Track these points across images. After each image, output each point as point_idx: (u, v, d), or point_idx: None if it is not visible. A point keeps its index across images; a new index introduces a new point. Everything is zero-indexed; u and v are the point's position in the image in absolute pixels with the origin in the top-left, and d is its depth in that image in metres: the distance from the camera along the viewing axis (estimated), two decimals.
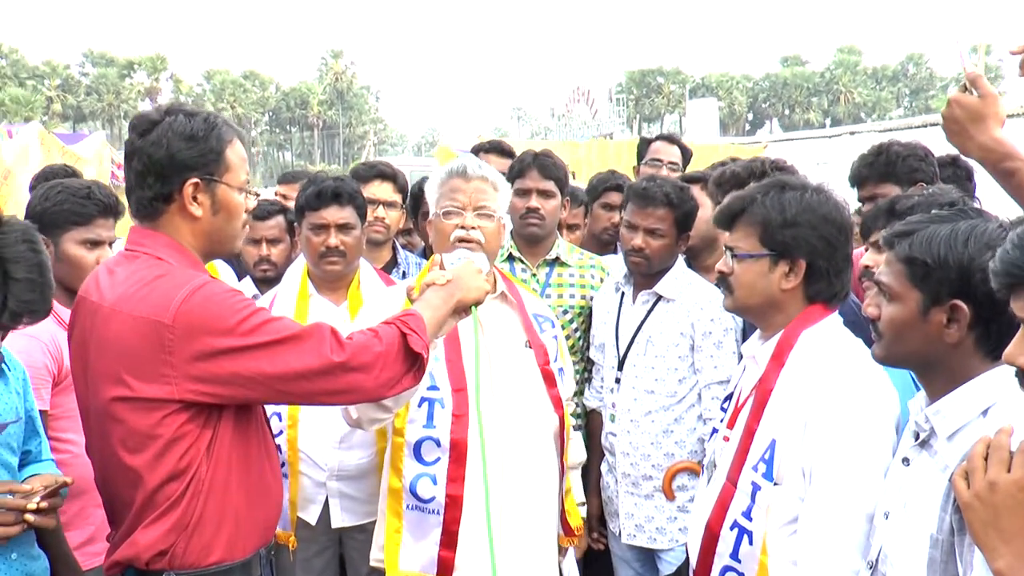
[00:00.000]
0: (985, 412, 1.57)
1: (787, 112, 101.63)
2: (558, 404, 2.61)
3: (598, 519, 3.24)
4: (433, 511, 2.47)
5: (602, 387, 3.20)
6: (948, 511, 1.48)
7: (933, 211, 1.72)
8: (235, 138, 2.03)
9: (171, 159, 1.92)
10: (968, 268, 1.53)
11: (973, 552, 1.40)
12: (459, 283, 2.21)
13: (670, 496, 2.96)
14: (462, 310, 2.24)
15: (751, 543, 1.98)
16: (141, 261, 1.93)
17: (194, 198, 1.95)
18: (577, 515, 2.74)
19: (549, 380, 2.61)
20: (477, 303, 2.25)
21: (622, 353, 3.08)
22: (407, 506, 2.51)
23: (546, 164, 3.32)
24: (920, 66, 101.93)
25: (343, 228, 3.02)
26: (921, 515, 1.57)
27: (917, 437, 1.67)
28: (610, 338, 3.14)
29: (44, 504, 2.10)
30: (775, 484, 1.98)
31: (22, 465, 2.35)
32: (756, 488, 2.02)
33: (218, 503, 1.92)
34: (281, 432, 2.98)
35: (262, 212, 3.77)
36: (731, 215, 2.19)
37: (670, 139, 4.34)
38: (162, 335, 1.80)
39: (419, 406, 2.48)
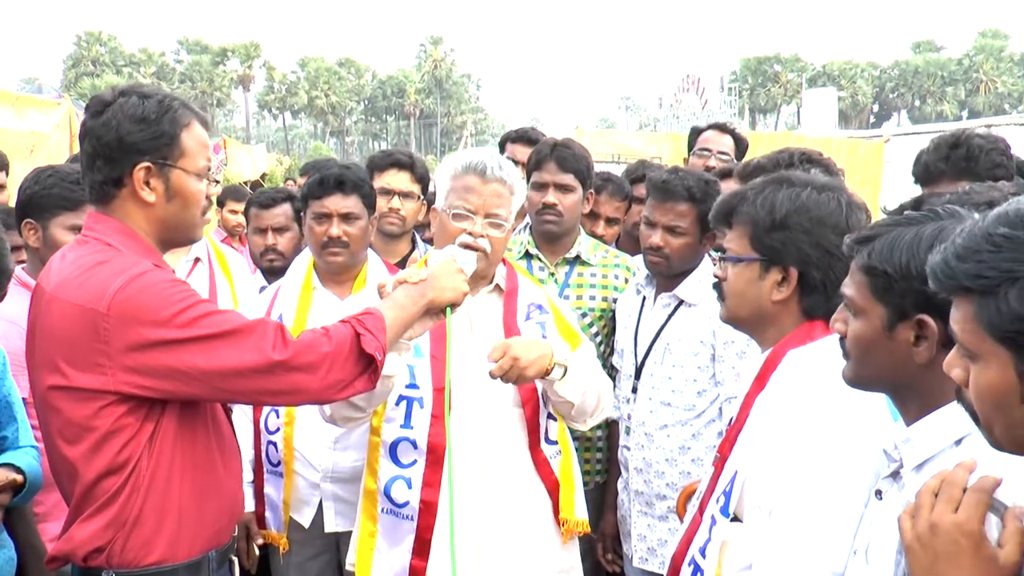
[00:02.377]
0: (959, 442, 1.44)
1: (917, 103, 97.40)
2: (528, 397, 2.52)
3: (613, 538, 3.17)
4: (407, 516, 2.45)
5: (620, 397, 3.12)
6: (903, 554, 1.37)
7: (905, 212, 1.57)
8: (194, 121, 2.04)
9: (120, 142, 1.94)
10: None
11: None
12: (433, 282, 2.18)
13: (684, 519, 2.86)
14: (437, 311, 2.22)
15: None
16: (89, 246, 1.97)
17: (146, 183, 1.97)
18: (570, 507, 2.61)
19: None
20: (453, 304, 2.22)
21: (639, 361, 2.99)
22: (382, 510, 2.50)
23: (565, 156, 3.22)
24: None
25: (346, 218, 3.03)
26: (883, 556, 1.46)
27: (889, 468, 1.55)
28: (629, 344, 3.06)
29: None
30: (732, 520, 1.84)
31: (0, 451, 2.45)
32: (713, 523, 1.89)
33: (159, 500, 1.94)
34: (278, 429, 3.02)
35: (267, 200, 3.84)
36: (725, 213, 2.07)
37: (722, 128, 4.18)
38: (97, 324, 1.83)
39: (397, 405, 2.47)
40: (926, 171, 2.88)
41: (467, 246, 2.40)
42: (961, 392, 1.22)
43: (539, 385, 2.51)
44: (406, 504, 2.45)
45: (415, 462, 2.45)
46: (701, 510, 1.97)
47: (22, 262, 2.86)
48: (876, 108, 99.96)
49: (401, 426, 2.47)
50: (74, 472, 1.92)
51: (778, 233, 1.90)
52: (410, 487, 2.44)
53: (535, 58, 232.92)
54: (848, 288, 1.56)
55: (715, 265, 3.01)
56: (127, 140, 1.94)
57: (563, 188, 3.22)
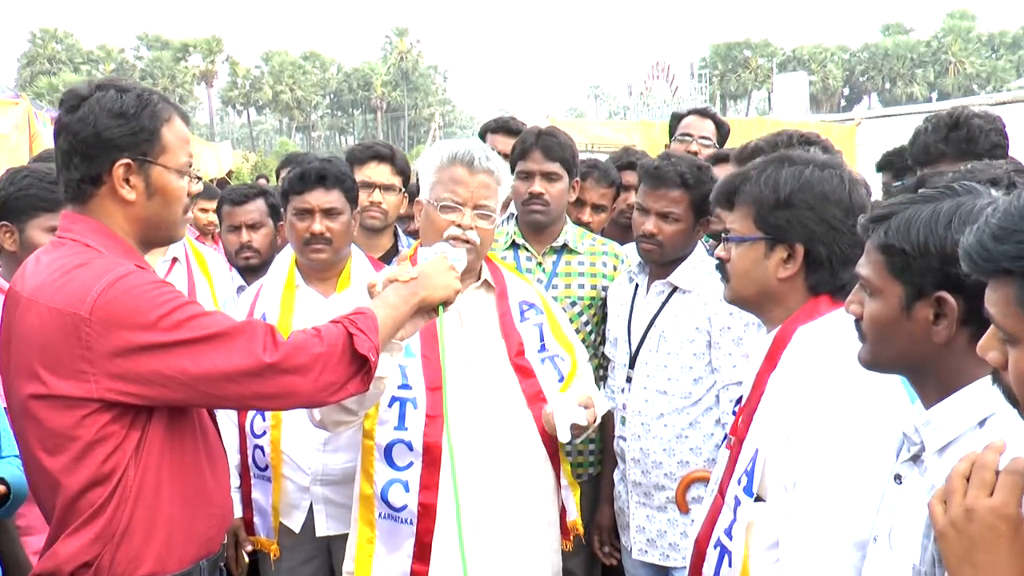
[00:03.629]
0: (982, 423, 1.42)
1: (888, 86, 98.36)
2: (533, 398, 2.52)
3: (610, 531, 3.15)
4: (405, 520, 2.42)
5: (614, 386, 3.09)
6: (931, 539, 1.35)
7: (920, 190, 1.56)
8: (174, 116, 1.98)
9: (98, 137, 1.88)
10: (952, 255, 1.38)
11: None
12: (425, 280, 2.15)
13: (684, 509, 2.84)
14: (429, 310, 2.18)
15: (731, 565, 1.87)
16: (66, 248, 1.90)
17: (126, 180, 1.91)
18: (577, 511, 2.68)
19: (522, 372, 2.54)
20: (445, 302, 2.18)
21: (634, 349, 2.97)
22: (379, 515, 2.46)
23: (551, 144, 3.20)
24: None
25: (328, 213, 2.98)
26: (907, 541, 1.44)
27: (910, 451, 1.54)
28: (622, 333, 3.03)
29: None
30: (756, 499, 1.86)
31: None
32: (738, 503, 1.91)
33: (148, 511, 1.88)
34: (265, 432, 2.97)
35: (239, 197, 3.77)
36: (728, 193, 2.07)
37: (703, 113, 4.18)
38: (79, 329, 1.77)
39: (390, 406, 2.44)
40: (926, 151, 2.88)
41: (455, 239, 2.37)
42: (998, 375, 1.20)
43: (551, 391, 2.55)
44: (404, 508, 2.41)
45: (411, 464, 2.41)
46: (722, 493, 1.97)
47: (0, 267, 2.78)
48: (847, 91, 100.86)
49: (395, 428, 2.43)
50: (56, 484, 1.85)
51: (783, 211, 1.92)
52: (407, 490, 2.41)
53: (503, 48, 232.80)
54: (864, 268, 1.55)
55: (708, 251, 3.02)
56: (105, 136, 1.88)
57: (550, 177, 3.20)
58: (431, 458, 2.38)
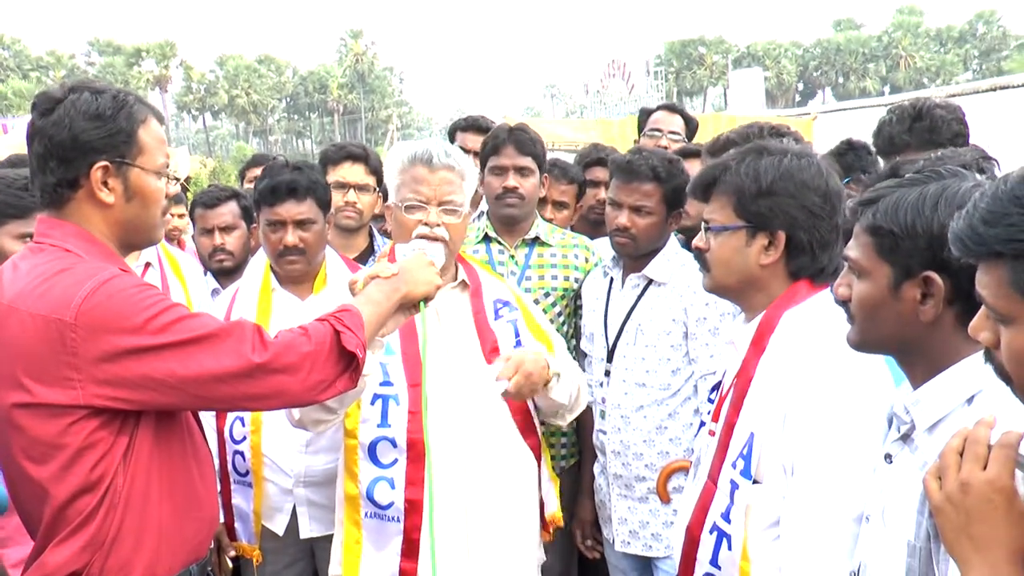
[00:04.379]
0: (970, 400, 1.46)
1: (841, 80, 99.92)
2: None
3: (592, 525, 3.17)
4: (392, 518, 2.41)
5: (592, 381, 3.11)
6: (925, 514, 1.39)
7: (908, 175, 1.60)
8: (150, 117, 1.96)
9: (74, 140, 1.85)
10: (939, 235, 1.42)
11: (948, 562, 1.30)
12: (406, 277, 2.15)
13: (665, 499, 2.87)
14: (410, 306, 2.19)
15: (730, 548, 1.90)
16: (46, 254, 1.87)
17: (104, 183, 1.89)
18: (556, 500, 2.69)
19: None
20: (426, 298, 2.20)
21: (611, 343, 2.99)
22: (365, 514, 2.45)
23: (523, 139, 3.22)
24: (991, 24, 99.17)
25: (301, 224, 2.96)
26: (900, 519, 1.47)
27: (900, 431, 1.57)
28: (599, 327, 3.06)
29: None
30: (754, 482, 1.90)
31: None
32: (735, 487, 1.94)
33: (137, 517, 1.86)
34: (245, 438, 2.95)
35: (211, 199, 3.74)
36: (705, 185, 2.11)
37: (671, 108, 4.22)
38: (64, 335, 1.74)
39: (372, 404, 2.43)
40: (890, 142, 2.95)
41: (424, 237, 2.37)
42: (991, 354, 1.23)
43: None
44: (390, 505, 2.41)
45: (396, 461, 2.41)
46: (712, 478, 2.00)
47: None
48: (801, 87, 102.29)
49: (378, 425, 2.43)
50: (43, 494, 1.82)
51: (765, 199, 1.97)
52: (393, 487, 2.40)
53: (458, 49, 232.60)
54: (852, 251, 1.58)
55: (681, 243, 3.05)
56: (82, 139, 1.85)
57: (522, 171, 3.22)
58: (415, 453, 2.37)
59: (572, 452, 3.31)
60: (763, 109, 42.33)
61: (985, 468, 1.23)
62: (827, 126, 12.62)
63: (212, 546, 2.32)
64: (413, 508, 2.38)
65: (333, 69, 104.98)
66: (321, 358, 1.90)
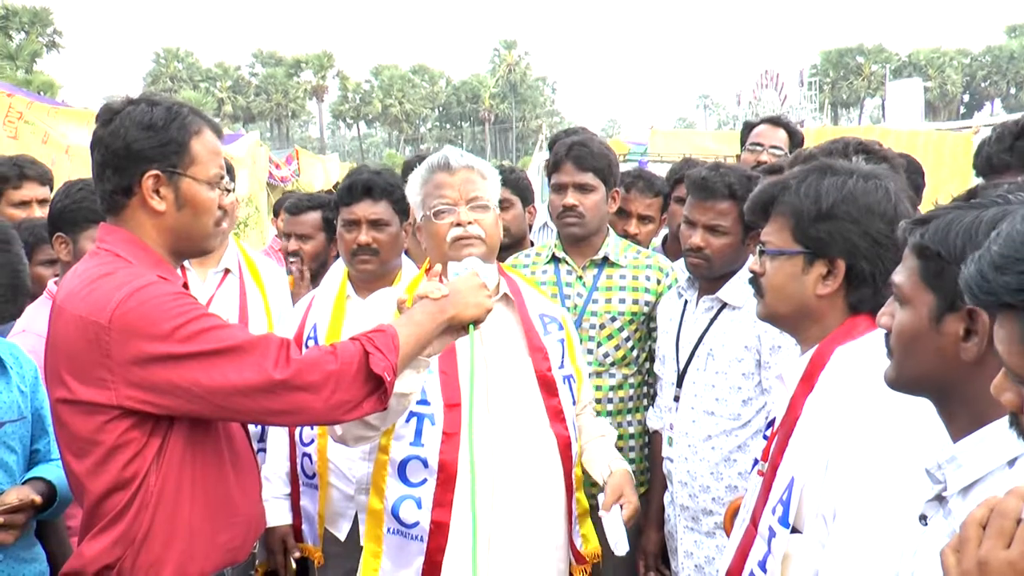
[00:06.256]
0: (1012, 462, 1.27)
1: (1013, 91, 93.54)
2: (556, 417, 2.44)
3: (655, 556, 3.03)
4: (416, 537, 2.37)
5: (662, 405, 2.97)
6: None
7: (971, 201, 1.42)
8: (205, 128, 2.00)
9: (127, 150, 1.91)
10: None
11: None
12: (455, 299, 2.08)
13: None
14: (457, 328, 2.11)
15: None
16: (99, 258, 1.95)
17: (155, 192, 1.94)
18: (594, 539, 2.57)
19: (548, 389, 2.46)
20: (476, 321, 2.11)
21: (681, 367, 2.85)
22: (388, 529, 2.42)
23: (582, 155, 3.10)
24: None
25: (375, 224, 2.98)
26: None
27: (935, 490, 1.39)
28: (670, 350, 2.92)
29: (1, 519, 2.16)
30: (792, 531, 1.75)
31: (32, 464, 2.45)
32: (772, 535, 1.79)
33: (168, 516, 1.91)
34: (312, 441, 2.98)
35: (295, 207, 3.89)
36: (763, 204, 1.96)
37: (775, 121, 4.01)
38: (100, 337, 1.80)
39: (407, 422, 2.39)
40: (988, 163, 2.70)
41: (460, 238, 2.32)
42: (1017, 418, 1.06)
43: (569, 413, 2.48)
44: (415, 524, 2.36)
45: (425, 481, 2.36)
46: (755, 522, 1.86)
47: (59, 275, 2.88)
48: (967, 98, 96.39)
49: (411, 444, 2.39)
50: (82, 487, 1.91)
51: (824, 223, 1.82)
52: (420, 507, 2.36)
53: (611, 59, 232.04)
54: (898, 275, 1.43)
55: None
56: (134, 148, 1.91)
57: (583, 188, 3.11)
58: (446, 476, 2.33)
59: (642, 480, 3.17)
60: (922, 121, 40.23)
61: (1010, 546, 1.05)
62: None
63: (255, 550, 2.33)
64: (439, 530, 2.32)
65: (486, 79, 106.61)
66: (347, 379, 1.87)
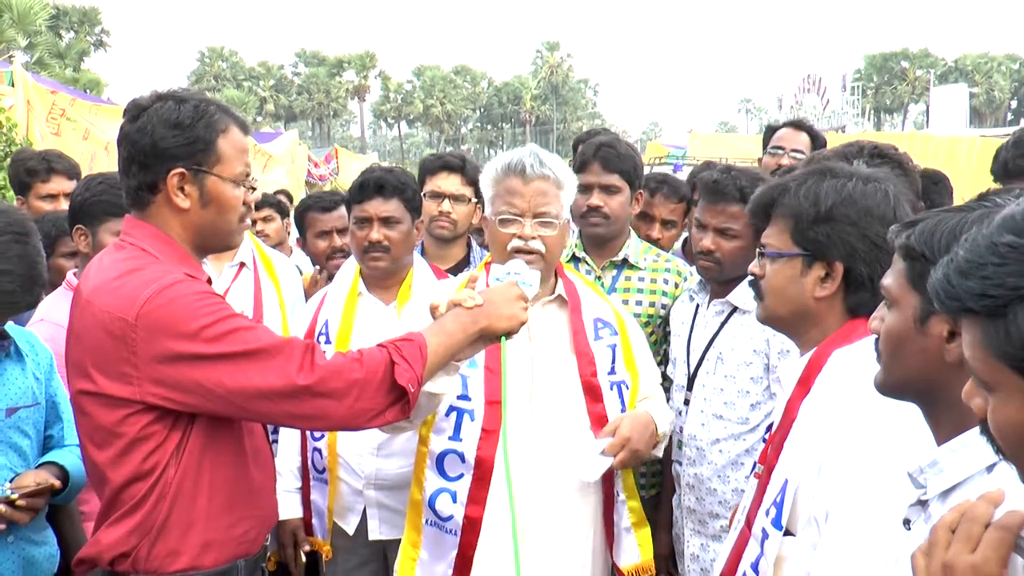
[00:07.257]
0: (991, 468, 1.25)
1: None
2: (598, 423, 2.42)
3: (665, 559, 3.01)
4: (450, 531, 2.39)
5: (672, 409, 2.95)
6: None
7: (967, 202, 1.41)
8: (232, 127, 2.00)
9: (154, 147, 1.92)
10: None
11: None
12: (489, 309, 2.04)
13: None
14: (490, 337, 2.08)
15: None
16: (125, 252, 1.96)
17: (180, 189, 1.95)
18: (648, 548, 2.55)
19: (592, 394, 2.44)
20: (508, 333, 2.08)
21: (691, 371, 2.83)
22: (426, 521, 2.45)
23: (609, 156, 3.09)
24: None
25: (387, 222, 2.98)
26: None
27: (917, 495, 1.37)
28: (681, 353, 2.91)
29: (21, 502, 2.21)
30: (784, 533, 1.74)
31: (46, 449, 2.50)
32: (765, 536, 1.79)
33: (186, 508, 1.93)
34: (323, 436, 3.00)
35: (325, 204, 3.91)
36: (764, 207, 1.95)
37: (798, 125, 3.96)
38: (126, 333, 1.82)
39: (447, 415, 2.40)
40: (1004, 168, 2.65)
41: (519, 251, 2.31)
42: (986, 423, 1.04)
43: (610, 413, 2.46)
44: (450, 518, 2.37)
45: (461, 476, 2.37)
46: (748, 524, 1.86)
47: (78, 267, 2.94)
48: (1015, 104, 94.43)
49: (450, 438, 2.40)
50: (103, 476, 1.93)
51: (823, 226, 1.81)
52: (455, 501, 2.37)
53: (653, 62, 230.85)
54: (887, 277, 1.43)
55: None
56: (161, 145, 1.92)
57: (608, 189, 3.10)
58: (482, 472, 2.33)
59: (652, 483, 3.15)
60: (966, 128, 39.53)
61: (975, 551, 1.04)
62: None
63: (268, 543, 2.36)
64: (471, 526, 2.33)
65: (527, 80, 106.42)
66: (371, 387, 1.88)
